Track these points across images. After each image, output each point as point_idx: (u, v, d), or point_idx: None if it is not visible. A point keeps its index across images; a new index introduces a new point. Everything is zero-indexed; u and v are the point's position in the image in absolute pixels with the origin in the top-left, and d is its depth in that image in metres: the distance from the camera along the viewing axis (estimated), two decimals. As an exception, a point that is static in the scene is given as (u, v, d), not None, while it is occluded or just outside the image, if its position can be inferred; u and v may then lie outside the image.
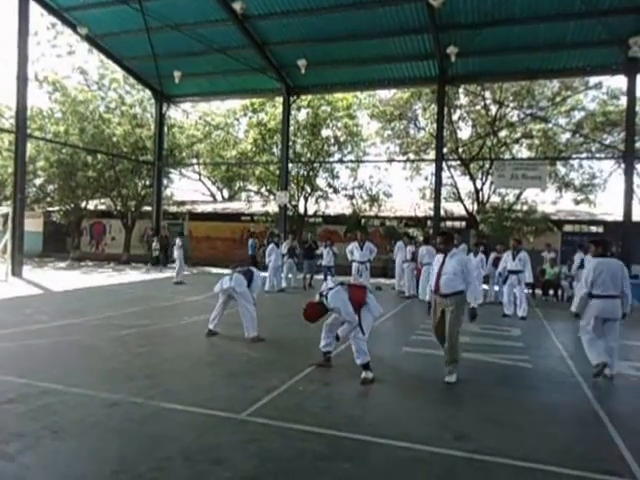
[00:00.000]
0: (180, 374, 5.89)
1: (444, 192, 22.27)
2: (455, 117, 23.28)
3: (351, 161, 25.50)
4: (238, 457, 3.69)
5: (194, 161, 31.60)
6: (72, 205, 27.57)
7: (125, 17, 17.76)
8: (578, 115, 22.58)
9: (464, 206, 23.31)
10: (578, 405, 5.17)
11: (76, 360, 6.34)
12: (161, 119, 23.22)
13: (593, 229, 22.10)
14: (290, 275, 15.63)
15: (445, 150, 20.57)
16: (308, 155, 25.10)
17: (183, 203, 30.28)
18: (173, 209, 28.10)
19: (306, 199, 25.47)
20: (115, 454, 3.70)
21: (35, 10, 18.18)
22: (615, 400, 5.35)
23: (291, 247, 15.57)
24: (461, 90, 22.39)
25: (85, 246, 29.36)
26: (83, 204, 28.30)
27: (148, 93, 24.45)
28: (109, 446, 3.85)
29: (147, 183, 26.64)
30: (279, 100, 22.71)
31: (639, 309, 13.19)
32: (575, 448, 4.08)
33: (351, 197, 25.18)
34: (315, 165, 24.92)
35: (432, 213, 18.89)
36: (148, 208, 25.61)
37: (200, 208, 30.29)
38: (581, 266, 12.88)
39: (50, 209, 28.62)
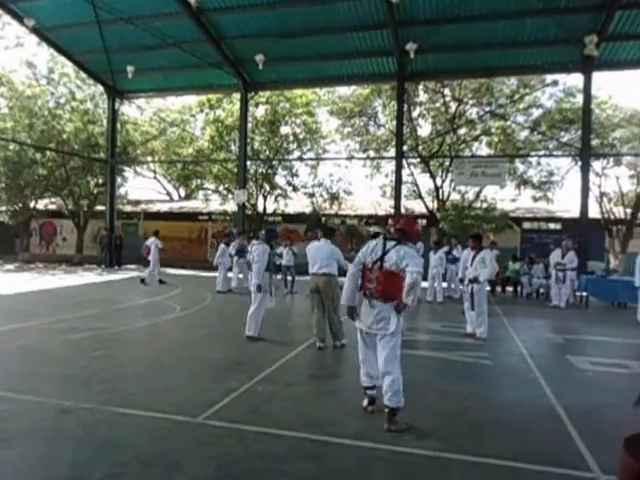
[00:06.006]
0: (136, 378, 5.70)
1: (404, 190, 22.25)
2: (415, 114, 23.32)
3: (310, 159, 25.31)
4: (195, 462, 3.62)
5: (149, 159, 30.95)
6: (20, 205, 26.64)
7: (75, 9, 17.10)
8: (536, 113, 22.96)
9: (424, 204, 23.46)
10: (537, 401, 5.22)
11: (26, 366, 6.14)
12: (114, 115, 22.53)
13: (551, 226, 22.63)
14: (241, 275, 15.41)
15: (405, 147, 20.62)
16: (267, 152, 24.81)
17: (138, 202, 29.58)
18: (127, 208, 27.46)
19: (265, 197, 25.21)
20: (67, 461, 3.60)
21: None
22: (572, 396, 5.40)
23: (240, 247, 15.31)
24: (421, 87, 22.53)
25: (35, 247, 28.39)
26: (32, 204, 27.41)
27: (100, 88, 23.66)
28: (61, 453, 3.73)
29: (100, 181, 25.91)
30: (236, 96, 22.38)
31: (596, 304, 13.70)
32: (534, 444, 4.12)
33: (311, 195, 25.04)
34: (274, 163, 24.66)
35: (393, 211, 18.93)
36: (101, 207, 24.90)
37: (156, 207, 29.61)
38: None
39: (-4, 209, 27.51)
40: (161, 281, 15.93)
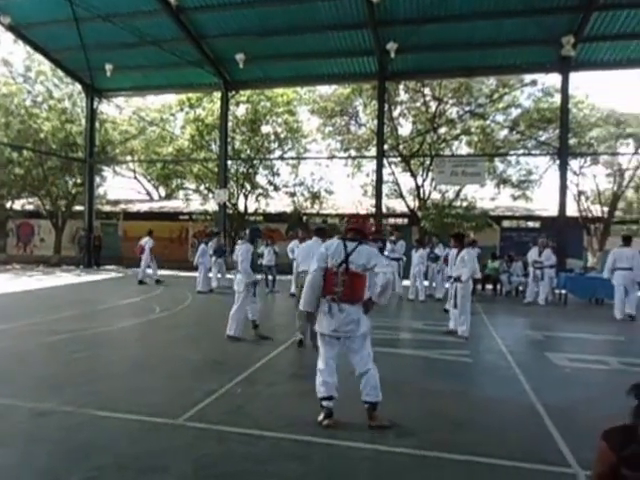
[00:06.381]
0: (116, 379, 5.64)
1: (385, 189, 22.30)
2: (396, 113, 23.36)
3: (292, 158, 25.25)
4: (175, 464, 3.56)
5: (128, 158, 30.55)
6: (-4, 205, 26.08)
7: (52, 6, 16.88)
8: (514, 112, 23.10)
9: (405, 203, 23.52)
10: (517, 398, 5.25)
11: (4, 368, 6.01)
12: (92, 114, 22.20)
13: (530, 224, 22.85)
14: (219, 275, 15.41)
15: (386, 147, 20.61)
16: (248, 152, 24.69)
17: (117, 202, 29.21)
18: (106, 208, 27.08)
19: (246, 197, 25.06)
20: (43, 465, 3.52)
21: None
22: (551, 392, 5.43)
23: (218, 247, 15.30)
24: (401, 86, 22.56)
25: (12, 248, 27.83)
26: (9, 204, 26.93)
27: (78, 87, 23.31)
28: (37, 457, 3.65)
29: (78, 181, 25.49)
30: (217, 95, 22.21)
31: (574, 301, 13.88)
32: (515, 441, 4.15)
33: (292, 194, 24.93)
34: (255, 162, 24.54)
35: (374, 210, 18.98)
36: (80, 207, 24.49)
37: (135, 207, 29.22)
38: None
39: (-28, 210, 26.96)
40: (141, 282, 15.86)
